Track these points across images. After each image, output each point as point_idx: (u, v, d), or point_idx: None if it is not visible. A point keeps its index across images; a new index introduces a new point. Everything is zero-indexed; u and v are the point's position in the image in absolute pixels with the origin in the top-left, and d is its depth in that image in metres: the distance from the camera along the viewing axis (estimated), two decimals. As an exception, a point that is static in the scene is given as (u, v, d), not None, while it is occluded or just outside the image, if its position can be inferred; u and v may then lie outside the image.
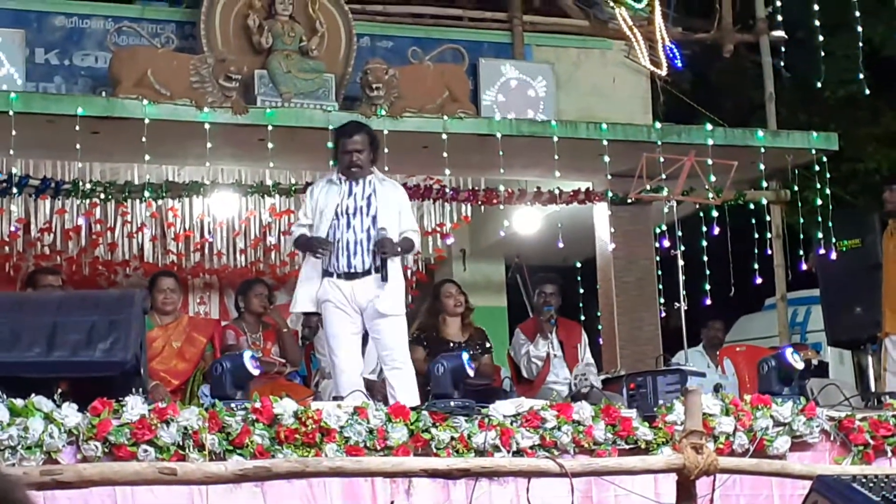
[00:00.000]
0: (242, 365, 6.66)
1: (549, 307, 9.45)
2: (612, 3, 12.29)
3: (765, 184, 11.43)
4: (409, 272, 12.10)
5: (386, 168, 9.89)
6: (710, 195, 9.83)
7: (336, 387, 7.69)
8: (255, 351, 8.96)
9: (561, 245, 10.89)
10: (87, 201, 10.35)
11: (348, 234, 7.74)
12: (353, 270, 7.71)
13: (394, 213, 7.84)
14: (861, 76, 13.58)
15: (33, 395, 6.05)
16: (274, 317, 9.29)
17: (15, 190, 9.95)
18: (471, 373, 7.03)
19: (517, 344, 9.63)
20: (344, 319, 7.72)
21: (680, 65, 12.73)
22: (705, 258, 11.10)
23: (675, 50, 12.56)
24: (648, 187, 9.31)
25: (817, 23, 12.90)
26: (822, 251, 11.06)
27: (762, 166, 10.85)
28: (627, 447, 6.94)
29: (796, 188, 11.38)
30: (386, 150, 9.65)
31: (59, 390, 6.19)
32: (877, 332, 9.70)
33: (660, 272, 11.36)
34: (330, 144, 8.53)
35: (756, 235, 11.47)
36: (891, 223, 9.48)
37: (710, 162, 9.63)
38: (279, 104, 10.09)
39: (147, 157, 9.46)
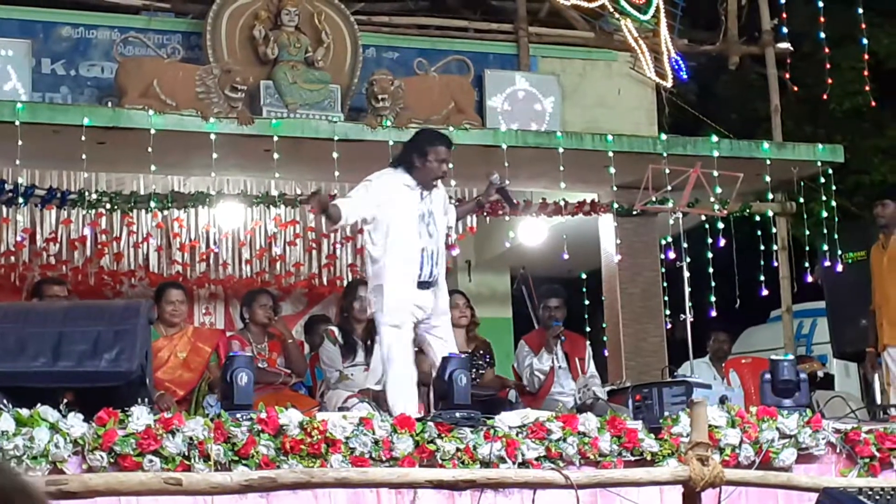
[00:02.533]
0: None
1: (557, 322, 9.44)
2: (617, 15, 12.31)
3: (770, 196, 11.43)
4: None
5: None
6: (716, 207, 9.82)
7: (397, 399, 7.60)
8: (260, 361, 8.99)
9: (566, 256, 10.89)
10: (93, 211, 10.36)
11: (430, 242, 7.70)
12: (433, 279, 7.70)
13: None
14: (866, 88, 13.58)
15: (39, 404, 6.05)
16: (279, 327, 9.29)
17: (21, 200, 9.97)
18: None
19: (521, 355, 9.63)
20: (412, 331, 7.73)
21: (685, 76, 12.75)
22: (711, 270, 11.10)
23: (681, 62, 12.57)
24: (654, 199, 9.30)
25: (823, 35, 12.92)
26: (827, 263, 11.06)
27: (768, 178, 10.85)
28: (633, 459, 6.93)
29: (802, 200, 11.38)
30: (391, 161, 9.67)
31: (65, 400, 6.19)
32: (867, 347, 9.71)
33: (665, 284, 11.36)
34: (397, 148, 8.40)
35: (762, 247, 11.47)
36: (881, 237, 9.49)
37: (715, 174, 9.62)
38: (285, 115, 10.10)
39: (153, 168, 9.47)
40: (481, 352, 9.40)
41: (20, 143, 8.98)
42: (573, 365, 9.52)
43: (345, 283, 10.87)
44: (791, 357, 8.10)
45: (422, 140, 7.91)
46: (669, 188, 9.32)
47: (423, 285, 7.64)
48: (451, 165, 7.95)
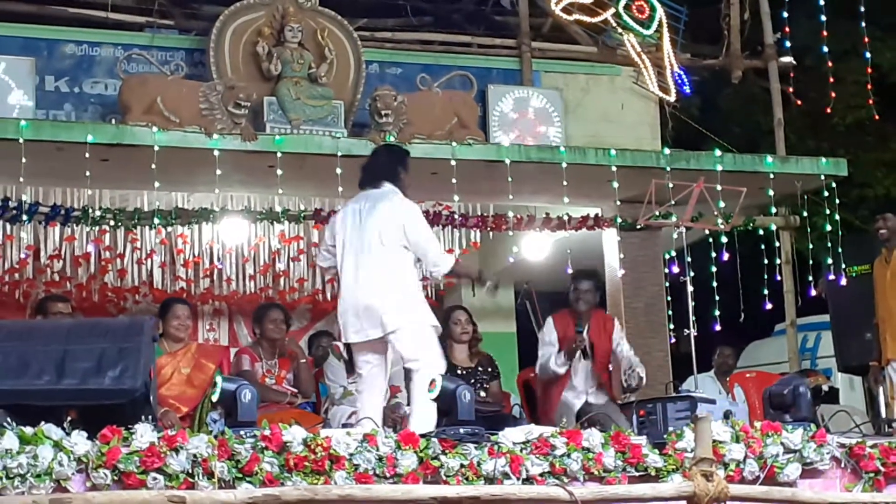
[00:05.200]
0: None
1: (581, 329, 9.24)
2: (620, 30, 12.33)
3: (774, 210, 11.43)
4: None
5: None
6: (720, 221, 9.82)
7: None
8: (269, 378, 8.98)
9: (570, 271, 10.87)
10: (97, 228, 10.37)
11: None
12: None
13: None
14: (869, 102, 13.59)
15: (43, 422, 6.03)
16: (293, 346, 9.26)
17: (25, 217, 9.99)
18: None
19: (546, 333, 9.44)
20: None
21: (688, 91, 12.76)
22: (715, 284, 11.10)
23: (684, 76, 12.59)
24: (657, 213, 9.30)
25: (826, 49, 12.94)
26: (831, 277, 11.05)
27: (771, 192, 10.85)
28: (637, 474, 6.91)
29: (805, 214, 11.37)
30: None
31: (69, 418, 6.18)
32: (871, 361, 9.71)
33: (669, 298, 11.35)
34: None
35: (766, 261, 11.47)
36: (884, 251, 9.50)
37: (719, 188, 9.63)
38: (288, 131, 10.12)
39: (156, 184, 9.48)
40: (483, 367, 9.38)
41: (24, 160, 8.99)
42: (599, 351, 9.36)
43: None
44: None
45: (404, 155, 8.19)
46: (673, 202, 9.32)
47: None
48: None
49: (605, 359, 9.45)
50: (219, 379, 6.80)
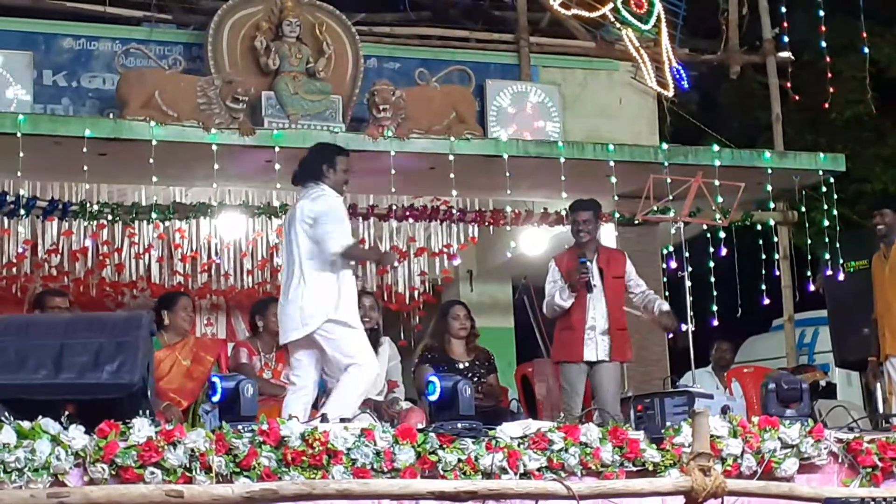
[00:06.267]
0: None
1: (584, 259, 9.04)
2: (618, 25, 12.32)
3: (772, 205, 11.43)
4: (416, 293, 12.12)
5: (393, 190, 9.94)
6: (718, 216, 9.82)
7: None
8: (266, 371, 8.98)
9: (568, 266, 10.87)
10: (95, 223, 10.37)
11: None
12: None
13: None
14: (867, 97, 13.59)
15: (40, 417, 6.04)
16: None
17: (22, 211, 9.99)
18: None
19: (550, 274, 9.28)
20: None
21: (686, 86, 12.75)
22: (713, 279, 11.10)
23: (682, 71, 12.58)
24: (655, 208, 9.30)
25: (824, 44, 12.93)
26: (829, 272, 11.06)
27: (769, 187, 10.85)
28: (635, 469, 6.92)
29: (803, 209, 11.38)
30: (393, 171, 9.68)
31: (66, 412, 6.18)
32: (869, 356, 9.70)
33: (667, 293, 11.34)
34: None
35: (763, 256, 11.48)
36: (882, 246, 9.50)
37: (717, 183, 9.63)
38: (286, 125, 10.11)
39: (154, 179, 9.48)
40: (481, 361, 9.38)
41: (21, 154, 8.99)
42: (608, 283, 9.19)
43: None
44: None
45: (329, 151, 8.27)
46: (671, 197, 9.32)
47: None
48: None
49: (619, 288, 9.26)
50: (216, 380, 6.82)
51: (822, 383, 12.07)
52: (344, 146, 9.75)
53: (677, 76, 12.49)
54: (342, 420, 7.13)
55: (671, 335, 11.18)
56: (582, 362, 9.04)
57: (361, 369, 7.69)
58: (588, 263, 9.07)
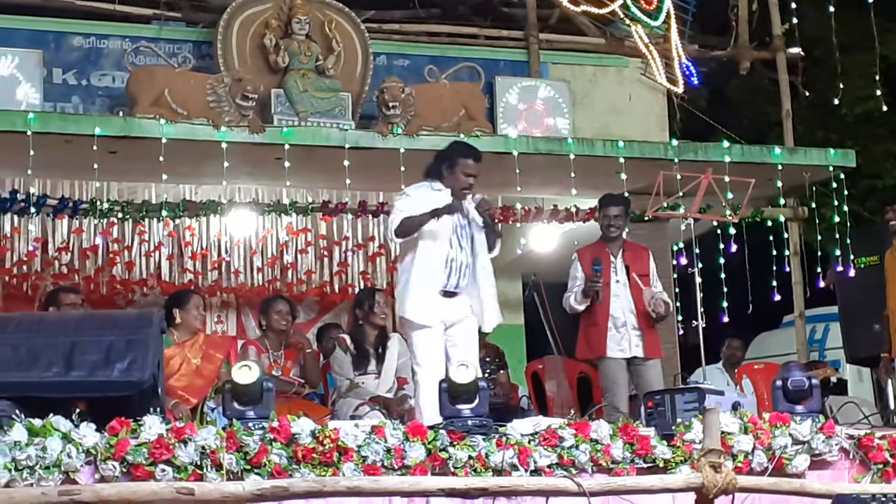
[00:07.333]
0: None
1: (598, 267, 8.99)
2: (628, 21, 12.32)
3: (782, 201, 11.42)
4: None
5: (402, 187, 9.93)
6: (728, 213, 9.80)
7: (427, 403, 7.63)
8: (275, 369, 9.00)
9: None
10: (105, 220, 10.39)
11: (459, 254, 7.83)
12: (458, 290, 7.82)
13: None
14: (878, 93, 13.56)
15: (51, 414, 6.05)
16: (299, 338, 9.29)
17: (33, 209, 10.01)
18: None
19: (573, 269, 9.27)
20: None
21: (696, 82, 12.74)
22: (723, 275, 11.08)
23: (692, 67, 12.57)
24: (665, 205, 9.29)
25: (834, 40, 12.90)
26: (840, 268, 11.04)
27: (779, 183, 10.83)
28: (646, 466, 6.90)
29: (814, 205, 11.36)
30: (402, 169, 9.68)
31: (77, 410, 6.19)
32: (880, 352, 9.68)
33: (677, 290, 11.33)
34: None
35: (774, 253, 11.45)
36: (894, 242, 9.48)
37: (727, 179, 9.61)
38: (296, 123, 10.12)
39: (164, 177, 9.49)
40: (491, 358, 9.37)
41: (32, 152, 9.00)
42: (633, 281, 9.19)
43: (356, 290, 10.86)
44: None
45: (455, 153, 8.05)
46: (681, 194, 9.30)
47: (447, 294, 7.78)
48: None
49: (645, 285, 9.23)
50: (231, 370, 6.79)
51: (833, 380, 12.04)
52: (353, 144, 9.80)
53: (687, 72, 12.48)
54: None
55: (682, 331, 11.18)
56: (621, 358, 9.00)
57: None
58: (601, 271, 9.01)
